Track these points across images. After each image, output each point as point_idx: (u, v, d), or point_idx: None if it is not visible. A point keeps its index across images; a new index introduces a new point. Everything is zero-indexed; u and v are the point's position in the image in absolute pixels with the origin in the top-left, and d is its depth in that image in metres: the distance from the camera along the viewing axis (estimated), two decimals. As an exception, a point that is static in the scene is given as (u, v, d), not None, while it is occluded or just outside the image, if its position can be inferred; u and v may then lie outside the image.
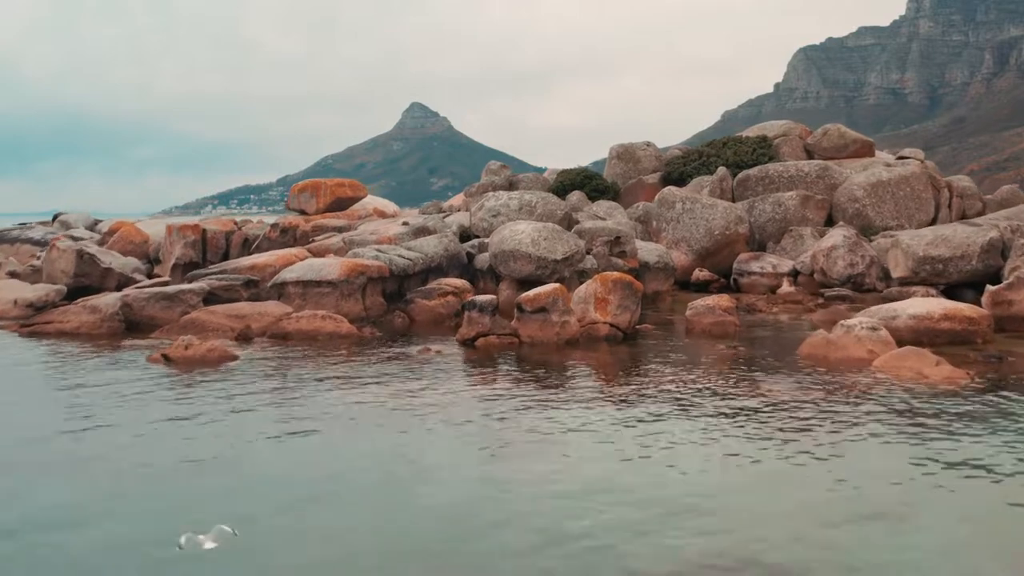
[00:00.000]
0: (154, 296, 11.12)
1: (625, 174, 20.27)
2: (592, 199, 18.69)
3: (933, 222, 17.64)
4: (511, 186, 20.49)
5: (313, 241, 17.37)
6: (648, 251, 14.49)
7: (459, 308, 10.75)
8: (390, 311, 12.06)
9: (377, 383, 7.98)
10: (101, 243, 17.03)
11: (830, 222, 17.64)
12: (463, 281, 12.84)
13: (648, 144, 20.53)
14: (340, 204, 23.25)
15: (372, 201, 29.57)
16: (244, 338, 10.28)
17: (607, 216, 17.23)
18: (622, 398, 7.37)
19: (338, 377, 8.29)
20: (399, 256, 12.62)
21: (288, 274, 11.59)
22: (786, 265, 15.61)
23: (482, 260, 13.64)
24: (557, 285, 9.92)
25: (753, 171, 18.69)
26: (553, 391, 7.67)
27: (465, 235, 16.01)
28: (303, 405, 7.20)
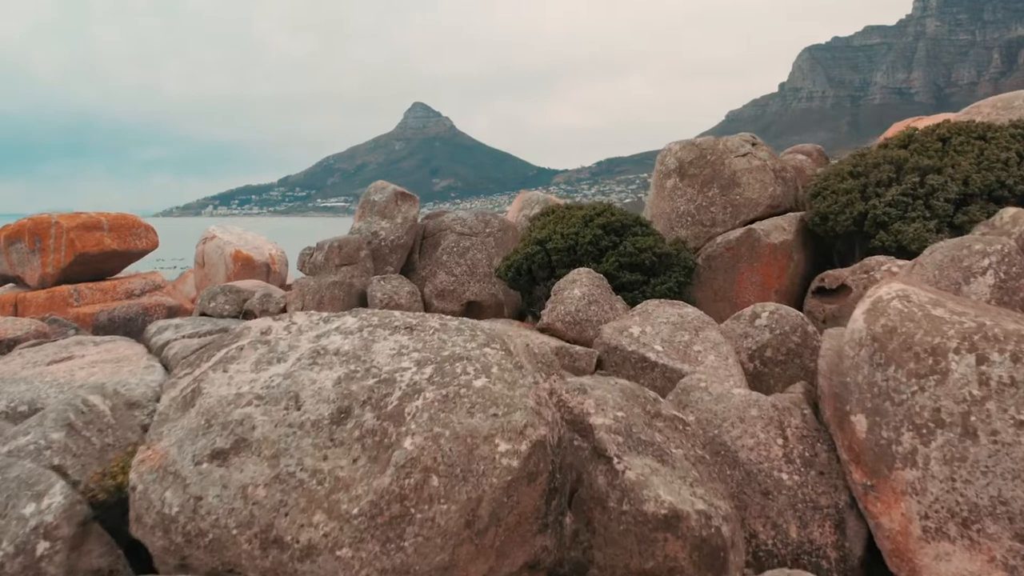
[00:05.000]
0: None
1: (699, 214, 8.18)
2: (626, 289, 6.83)
3: None
4: (425, 238, 8.57)
5: None
6: None
7: None
8: None
9: None
10: None
11: None
12: None
13: (754, 141, 8.38)
14: (95, 264, 11.31)
15: (229, 241, 17.67)
16: None
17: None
18: None
19: None
20: None
21: None
22: None
23: None
24: None
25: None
26: None
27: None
28: None
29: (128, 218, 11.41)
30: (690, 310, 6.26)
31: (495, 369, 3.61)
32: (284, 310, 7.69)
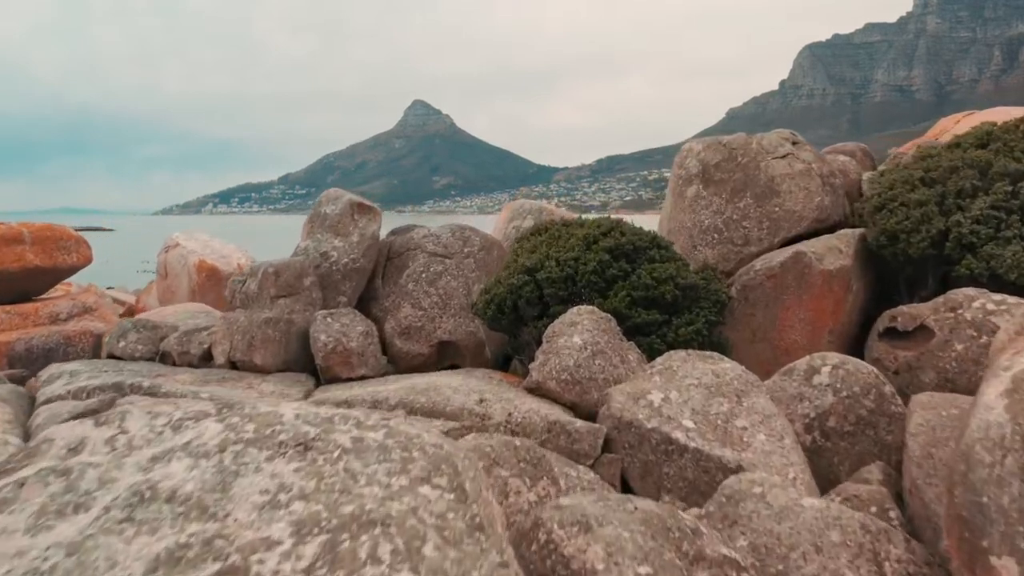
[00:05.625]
0: None
1: (728, 230, 6.48)
2: (641, 332, 5.27)
3: None
4: (390, 259, 6.99)
5: None
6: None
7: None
8: None
9: None
10: None
11: None
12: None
13: (794, 140, 6.73)
14: (16, 283, 9.73)
15: (193, 249, 16.29)
16: None
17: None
18: None
19: None
20: None
21: None
22: None
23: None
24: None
25: None
26: None
27: None
28: None
29: (55, 229, 9.81)
30: (728, 366, 4.69)
31: (429, 547, 2.03)
32: (210, 353, 6.11)
